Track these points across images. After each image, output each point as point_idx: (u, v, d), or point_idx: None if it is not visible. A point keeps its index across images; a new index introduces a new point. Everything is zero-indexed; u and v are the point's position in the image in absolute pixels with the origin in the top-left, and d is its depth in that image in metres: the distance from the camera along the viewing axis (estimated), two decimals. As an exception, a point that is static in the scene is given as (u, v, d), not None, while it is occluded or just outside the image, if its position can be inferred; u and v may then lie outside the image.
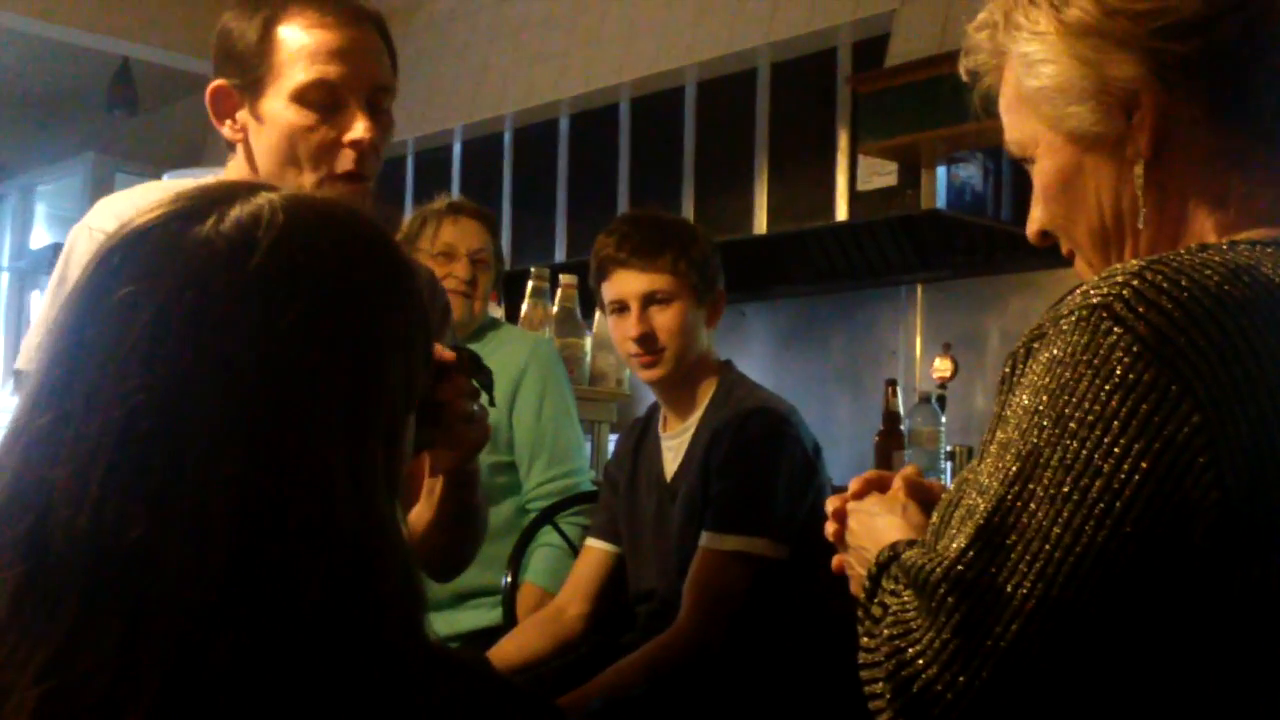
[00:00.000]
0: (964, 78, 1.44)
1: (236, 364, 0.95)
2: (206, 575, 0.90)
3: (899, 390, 4.16)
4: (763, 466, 2.67)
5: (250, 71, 1.87)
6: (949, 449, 3.99)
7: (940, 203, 4.28)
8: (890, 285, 4.68)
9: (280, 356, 0.96)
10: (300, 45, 1.86)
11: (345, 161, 1.88)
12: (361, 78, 1.89)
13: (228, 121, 1.92)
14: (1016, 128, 1.39)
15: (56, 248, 7.17)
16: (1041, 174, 1.38)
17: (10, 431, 0.97)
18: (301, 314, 0.97)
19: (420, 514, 1.88)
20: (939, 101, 4.07)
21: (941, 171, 4.31)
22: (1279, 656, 1.16)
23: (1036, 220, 1.42)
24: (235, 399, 0.94)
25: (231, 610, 0.90)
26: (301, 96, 1.85)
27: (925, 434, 3.95)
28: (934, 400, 4.05)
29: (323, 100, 1.86)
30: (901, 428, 4.05)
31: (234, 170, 1.95)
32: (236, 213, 0.99)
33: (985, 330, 4.43)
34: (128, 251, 0.99)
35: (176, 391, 0.93)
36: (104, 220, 1.96)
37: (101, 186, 7.04)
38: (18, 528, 0.93)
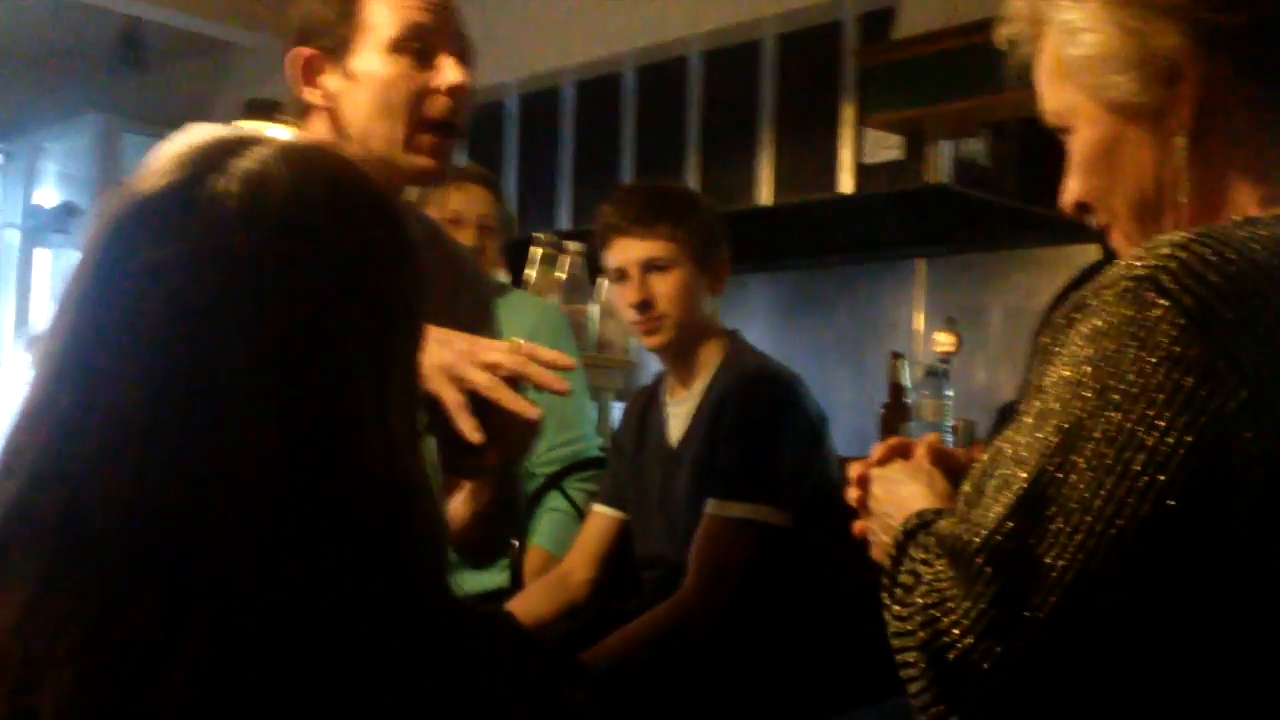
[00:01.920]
0: (1001, 45, 1.42)
1: (261, 322, 0.95)
2: (248, 534, 0.91)
3: (903, 363, 4.18)
4: (769, 434, 2.69)
5: (336, 34, 1.91)
6: (952, 423, 4.00)
7: (945, 177, 4.29)
8: (894, 259, 4.69)
9: (303, 311, 0.97)
10: (389, 1, 1.90)
11: (438, 108, 1.91)
12: (449, 27, 1.94)
13: (314, 89, 1.94)
14: (1055, 97, 1.37)
15: (66, 206, 7.18)
16: (1081, 145, 1.36)
17: (28, 411, 0.97)
18: (319, 268, 0.98)
19: (461, 508, 1.91)
20: (946, 75, 4.07)
21: (948, 146, 4.32)
22: None
23: (1073, 192, 1.39)
24: (263, 357, 0.94)
25: (272, 570, 0.91)
26: (395, 45, 1.89)
27: (930, 407, 3.95)
28: (939, 374, 4.06)
29: (416, 48, 1.90)
30: (906, 400, 4.06)
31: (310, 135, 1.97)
32: (240, 169, 0.99)
33: (988, 305, 4.43)
34: (139, 220, 0.99)
35: (205, 355, 0.94)
36: None
37: (109, 146, 7.02)
38: (48, 505, 0.93)
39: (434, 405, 1.63)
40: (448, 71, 1.91)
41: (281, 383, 0.95)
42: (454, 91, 1.91)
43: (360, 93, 1.91)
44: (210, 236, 0.96)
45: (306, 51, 1.94)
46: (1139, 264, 1.18)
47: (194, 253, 0.96)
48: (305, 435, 0.94)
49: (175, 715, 0.88)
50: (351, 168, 1.07)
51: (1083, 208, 1.40)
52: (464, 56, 1.94)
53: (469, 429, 1.61)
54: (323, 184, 1.02)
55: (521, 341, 1.67)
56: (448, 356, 1.64)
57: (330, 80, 1.93)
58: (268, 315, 0.96)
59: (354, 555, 0.94)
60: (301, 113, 1.98)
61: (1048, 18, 1.36)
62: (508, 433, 1.68)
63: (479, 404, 1.64)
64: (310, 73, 1.94)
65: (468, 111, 1.96)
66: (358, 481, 0.95)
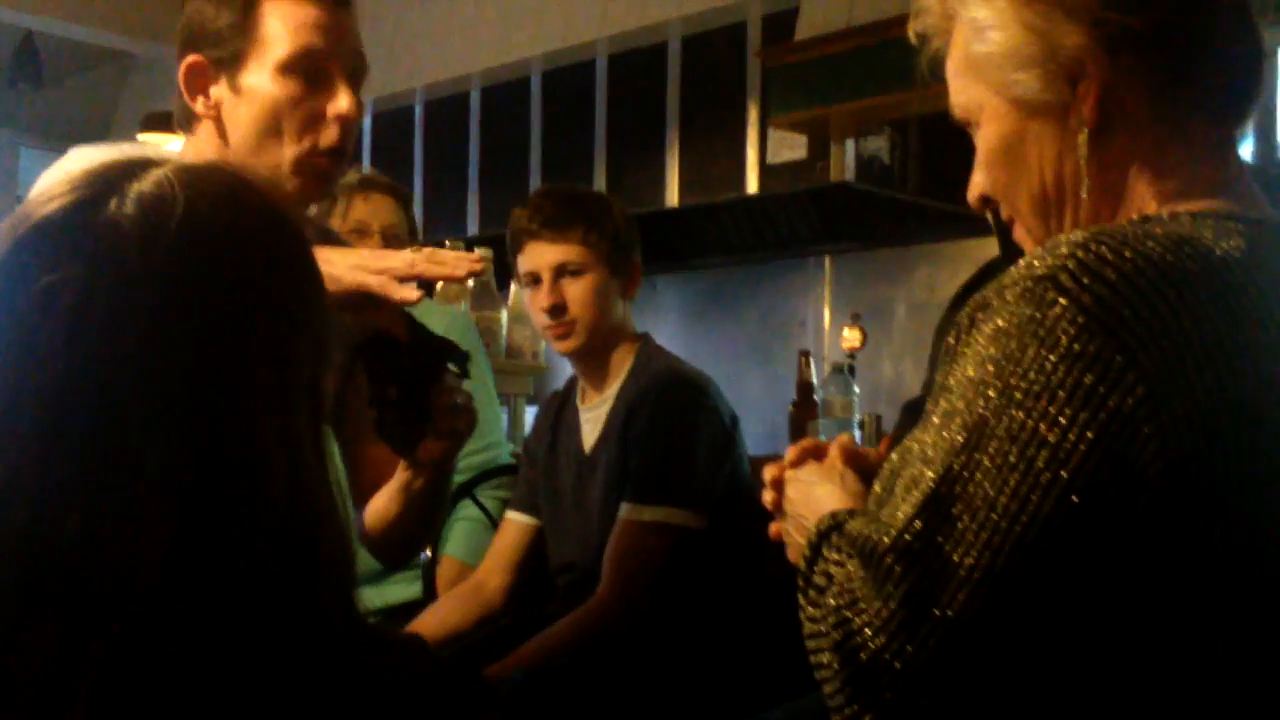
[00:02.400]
0: (912, 40, 1.43)
1: (161, 345, 0.94)
2: (148, 557, 0.90)
3: (810, 360, 4.21)
4: (681, 438, 2.70)
5: (229, 45, 1.86)
6: (859, 418, 4.03)
7: (849, 175, 4.33)
8: (800, 257, 4.72)
9: (202, 334, 0.96)
10: (285, 17, 1.85)
11: (329, 135, 1.87)
12: (345, 51, 1.90)
13: (200, 98, 1.89)
14: (962, 93, 1.39)
15: (-37, 223, 7.06)
16: (985, 140, 1.38)
17: None
18: (218, 290, 0.97)
19: (389, 504, 1.91)
20: (847, 75, 4.11)
21: (850, 145, 4.36)
22: (1225, 624, 1.17)
23: (977, 185, 1.41)
24: (162, 380, 0.93)
25: (174, 591, 0.90)
26: (287, 67, 1.84)
27: (839, 404, 3.98)
28: (846, 370, 4.09)
29: (308, 72, 1.85)
30: (815, 398, 4.09)
31: (195, 148, 1.92)
32: (136, 191, 0.98)
33: (892, 300, 4.48)
34: (36, 243, 0.97)
35: (103, 379, 0.93)
36: None
37: (6, 161, 6.94)
38: None
39: (376, 381, 1.71)
40: (340, 100, 1.87)
41: (180, 408, 0.94)
42: (344, 119, 1.88)
43: (247, 109, 1.86)
44: (106, 259, 0.95)
45: (195, 58, 1.88)
46: (1039, 264, 1.19)
47: (90, 275, 0.95)
48: (205, 461, 0.94)
49: None
50: (251, 189, 1.06)
51: (987, 201, 1.41)
52: (357, 76, 1.92)
53: (407, 294, 1.65)
54: (221, 206, 1.01)
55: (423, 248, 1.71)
56: (358, 257, 1.67)
57: (217, 91, 1.88)
58: (164, 338, 0.95)
59: (257, 582, 0.93)
60: (188, 120, 1.93)
61: (957, 14, 1.37)
62: (448, 418, 1.73)
63: (418, 391, 1.70)
64: (199, 80, 1.89)
65: (355, 136, 1.93)
66: (261, 507, 0.95)
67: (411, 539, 2.01)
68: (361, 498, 2.01)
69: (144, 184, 0.99)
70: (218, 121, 1.89)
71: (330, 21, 1.88)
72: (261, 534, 0.94)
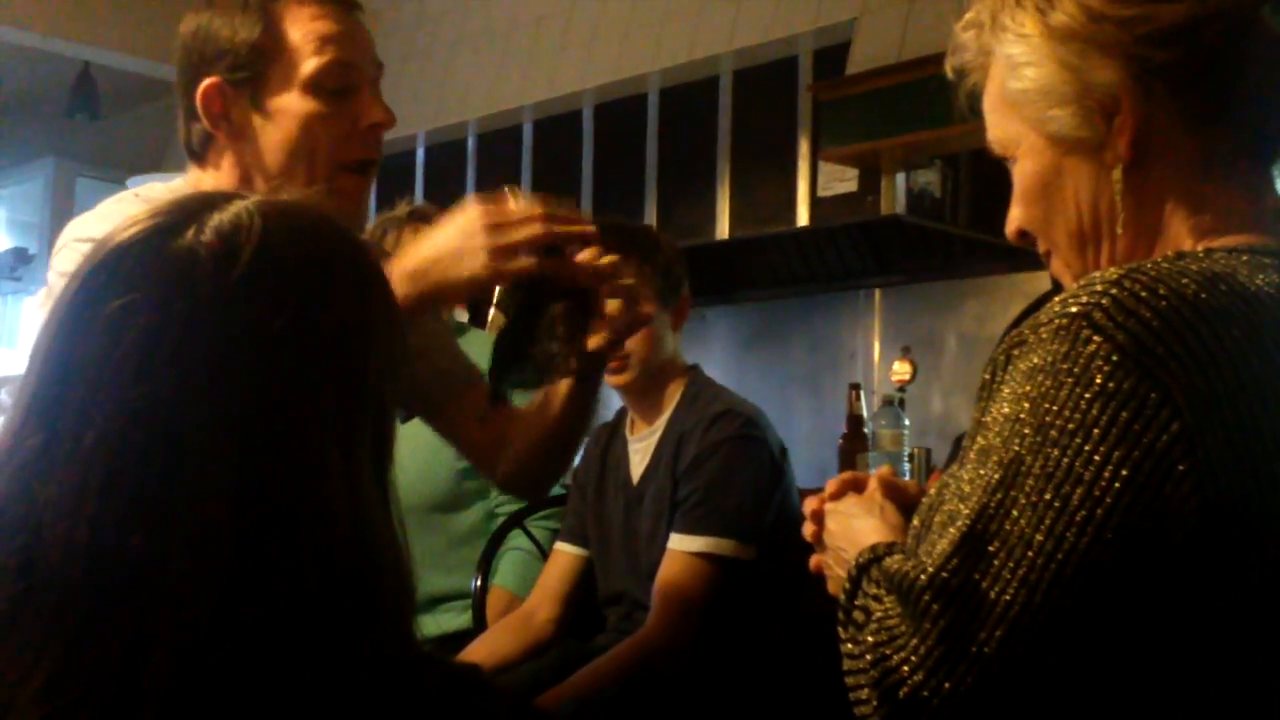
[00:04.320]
0: (949, 75, 1.44)
1: (228, 371, 0.96)
2: (209, 580, 0.91)
3: (860, 393, 4.20)
4: (730, 469, 2.70)
5: (249, 66, 1.78)
6: (909, 451, 4.01)
7: (900, 208, 4.32)
8: (850, 289, 4.71)
9: (270, 361, 0.97)
10: (307, 31, 1.79)
11: (365, 147, 1.83)
12: (366, 58, 1.85)
13: (223, 123, 1.81)
14: (999, 128, 1.40)
15: (16, 252, 7.14)
16: (1022, 175, 1.39)
17: (1, 454, 0.98)
18: (288, 319, 0.98)
19: (538, 420, 1.94)
20: (899, 109, 4.11)
21: (901, 178, 4.35)
22: (1260, 661, 1.17)
23: (1015, 220, 1.41)
24: (229, 405, 0.95)
25: (234, 614, 0.91)
26: (318, 84, 1.78)
27: (888, 437, 3.96)
28: (896, 403, 4.08)
29: (337, 85, 1.80)
30: (865, 431, 4.08)
31: (213, 177, 1.85)
32: (215, 221, 1.00)
33: (943, 333, 4.46)
34: (113, 267, 1.00)
35: (170, 400, 0.94)
36: (90, 230, 1.82)
37: (63, 191, 7.02)
38: (8, 548, 0.93)
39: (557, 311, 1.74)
40: (372, 110, 1.82)
41: (244, 433, 0.95)
42: (378, 130, 1.84)
43: (277, 131, 1.79)
44: (178, 284, 0.97)
45: (213, 81, 1.80)
46: (1073, 301, 1.20)
47: (161, 300, 0.97)
48: (266, 483, 0.95)
49: None
50: (330, 222, 1.08)
51: (1025, 235, 1.42)
52: (377, 81, 1.87)
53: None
54: (297, 238, 1.03)
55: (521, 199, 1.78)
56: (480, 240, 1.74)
57: (240, 114, 1.81)
58: (232, 364, 0.97)
59: (316, 603, 0.94)
60: (204, 146, 1.86)
61: (993, 50, 1.38)
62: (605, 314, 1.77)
63: (577, 311, 1.74)
64: (218, 103, 1.80)
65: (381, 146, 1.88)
66: (321, 533, 0.96)
67: (562, 452, 2.03)
68: (484, 455, 2.05)
69: (224, 214, 1.01)
70: (240, 145, 1.82)
71: (350, 30, 1.84)
72: (321, 560, 0.95)
